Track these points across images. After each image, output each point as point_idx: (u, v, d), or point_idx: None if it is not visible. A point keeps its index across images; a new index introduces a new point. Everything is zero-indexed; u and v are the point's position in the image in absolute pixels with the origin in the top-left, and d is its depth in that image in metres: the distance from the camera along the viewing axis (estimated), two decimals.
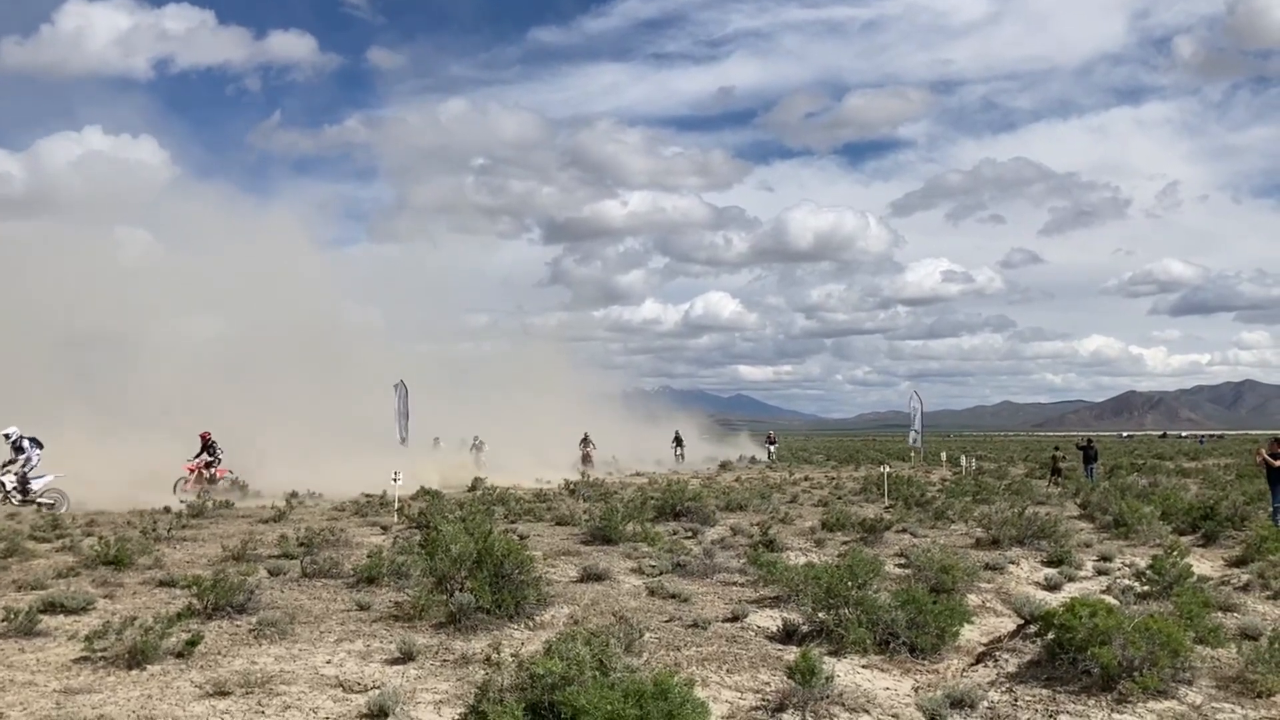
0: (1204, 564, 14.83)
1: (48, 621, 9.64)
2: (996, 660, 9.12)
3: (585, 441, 44.08)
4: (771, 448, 55.77)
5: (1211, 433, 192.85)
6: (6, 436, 23.18)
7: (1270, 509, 19.66)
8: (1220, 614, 10.33)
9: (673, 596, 11.65)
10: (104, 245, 45.58)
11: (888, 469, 29.55)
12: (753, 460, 55.09)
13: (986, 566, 14.05)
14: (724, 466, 47.69)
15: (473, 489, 28.94)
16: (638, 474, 40.83)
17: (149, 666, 8.17)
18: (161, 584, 11.81)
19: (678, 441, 52.45)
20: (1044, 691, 7.89)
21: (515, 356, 59.86)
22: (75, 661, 8.38)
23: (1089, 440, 38.56)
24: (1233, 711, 7.39)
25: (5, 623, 9.31)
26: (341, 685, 7.96)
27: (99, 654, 8.28)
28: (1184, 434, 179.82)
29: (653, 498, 21.92)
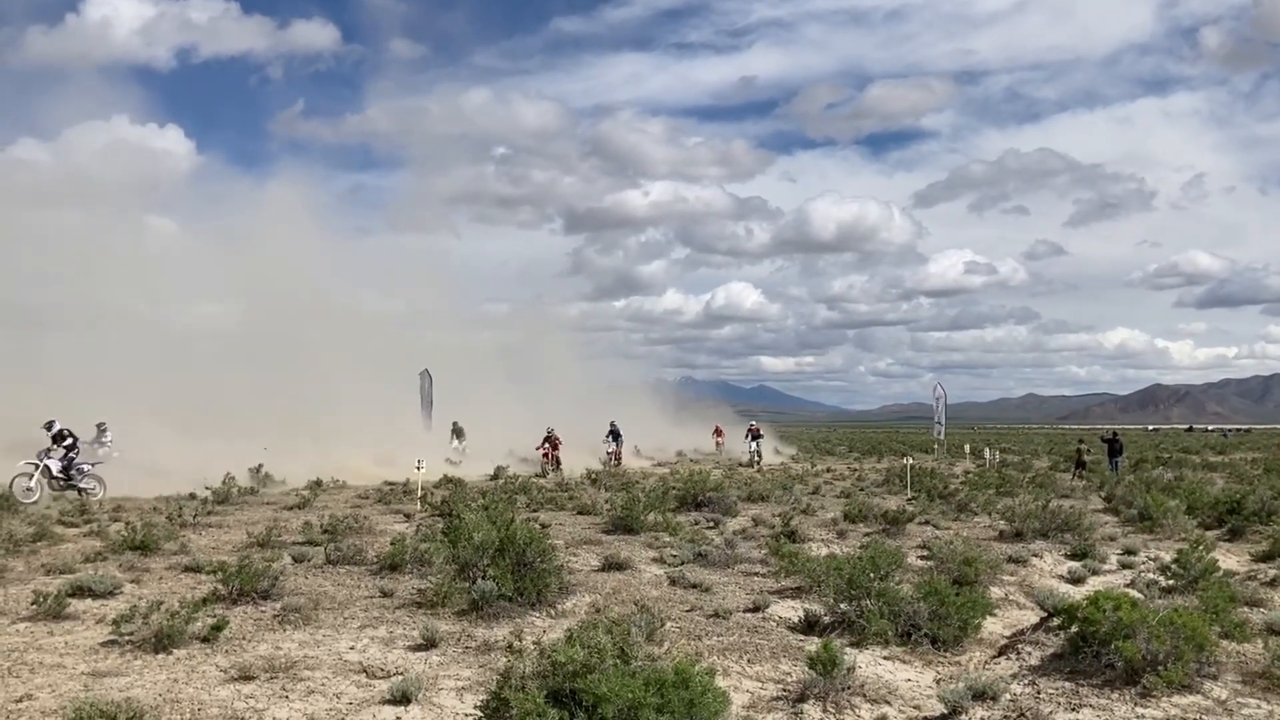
0: (1230, 559, 14.71)
1: (76, 605, 9.76)
2: (1019, 653, 9.09)
3: (549, 439, 34.46)
4: (754, 444, 42.23)
5: (1237, 427, 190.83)
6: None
7: None
8: (1246, 609, 10.25)
9: (694, 586, 11.66)
10: (130, 233, 45.93)
11: (910, 461, 29.45)
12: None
13: (1009, 559, 13.99)
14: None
15: (495, 478, 29.03)
16: (659, 465, 40.83)
17: (175, 651, 8.26)
18: (187, 569, 11.92)
19: (613, 436, 39.31)
20: (1067, 684, 7.85)
21: (535, 346, 59.46)
22: (103, 645, 8.49)
23: (1114, 433, 38.28)
24: (1258, 706, 7.33)
25: (35, 606, 9.44)
26: (365, 671, 8.02)
27: (126, 638, 8.38)
28: (1210, 428, 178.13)
29: (674, 488, 21.94)
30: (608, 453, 38.79)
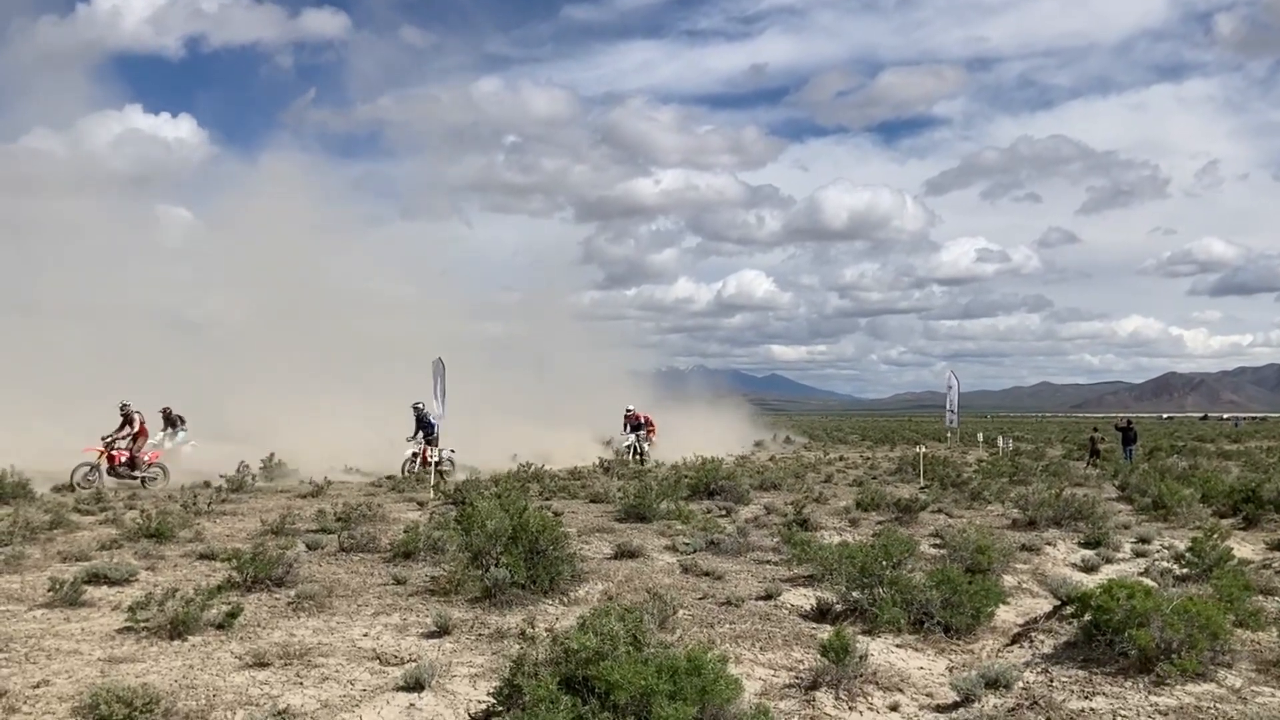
0: (1245, 547, 14.64)
1: (92, 592, 9.83)
2: (1032, 641, 9.07)
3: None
4: (633, 436, 33.03)
5: (1247, 415, 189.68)
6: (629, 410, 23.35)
7: None
8: (1261, 597, 10.18)
9: (706, 574, 11.68)
10: (140, 221, 46.13)
11: (923, 449, 29.38)
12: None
13: (1023, 547, 13.95)
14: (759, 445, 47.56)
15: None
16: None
17: (190, 637, 8.31)
18: (202, 557, 11.99)
19: (420, 427, 26.29)
20: (1080, 673, 7.83)
21: (545, 335, 59.16)
22: (119, 631, 8.54)
23: (1128, 421, 38.14)
24: (1273, 695, 7.30)
25: (51, 593, 9.51)
26: (378, 658, 8.06)
27: (142, 624, 8.43)
28: (1225, 416, 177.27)
29: (687, 476, 21.95)
30: (412, 454, 26.22)
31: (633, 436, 32.91)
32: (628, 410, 33.82)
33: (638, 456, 32.18)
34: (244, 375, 33.86)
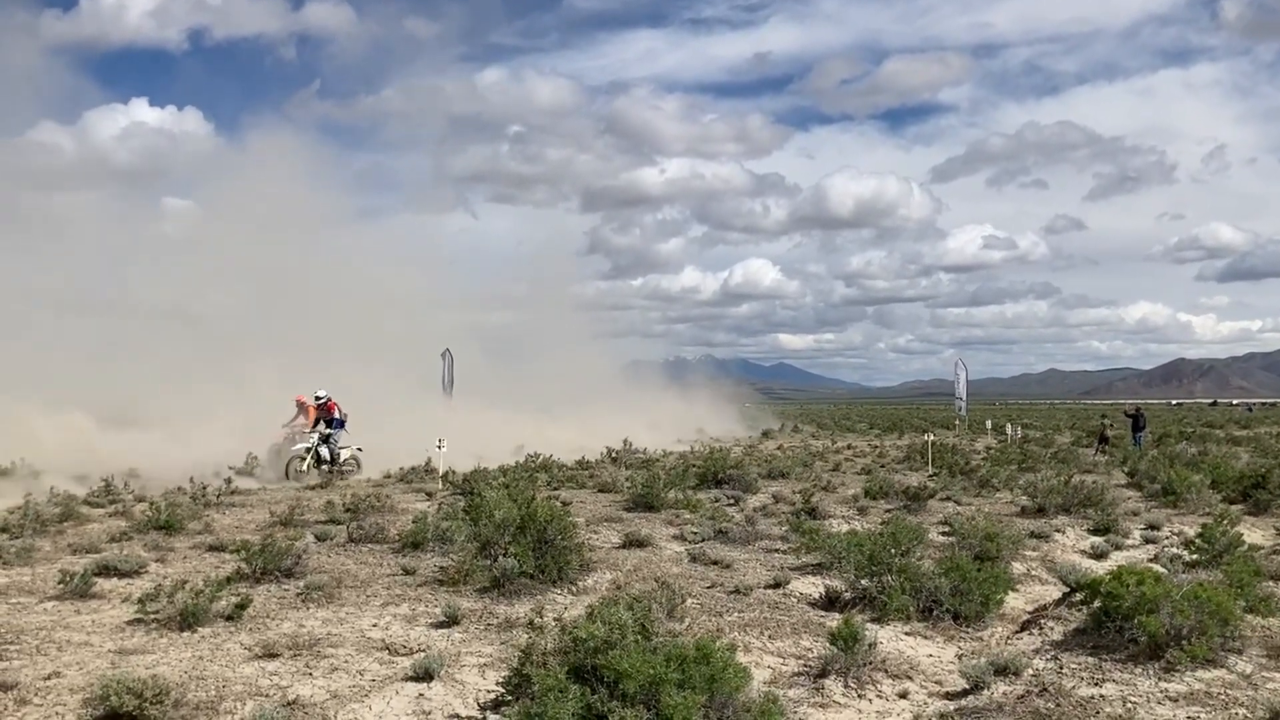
0: (1255, 533, 14.60)
1: (102, 584, 9.86)
2: (1042, 628, 9.06)
3: None
4: (315, 436, 22.93)
5: (1257, 401, 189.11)
6: (318, 399, 22.97)
7: None
8: (1271, 583, 10.16)
9: (715, 563, 11.68)
10: (145, 215, 46.08)
11: (931, 437, 29.34)
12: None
13: (1032, 535, 13.94)
14: (766, 435, 47.51)
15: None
16: (679, 441, 40.71)
17: (200, 629, 8.34)
18: (211, 548, 12.01)
19: None
20: (1090, 659, 7.82)
21: (550, 325, 58.92)
22: (129, 623, 8.57)
23: (1137, 408, 38.06)
24: None
25: (62, 585, 9.54)
26: (387, 648, 8.07)
27: (151, 616, 8.46)
28: (1234, 402, 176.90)
29: (694, 465, 21.94)
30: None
31: (315, 436, 23.07)
32: (318, 396, 23.58)
33: (326, 465, 22.80)
34: (244, 369, 33.84)
